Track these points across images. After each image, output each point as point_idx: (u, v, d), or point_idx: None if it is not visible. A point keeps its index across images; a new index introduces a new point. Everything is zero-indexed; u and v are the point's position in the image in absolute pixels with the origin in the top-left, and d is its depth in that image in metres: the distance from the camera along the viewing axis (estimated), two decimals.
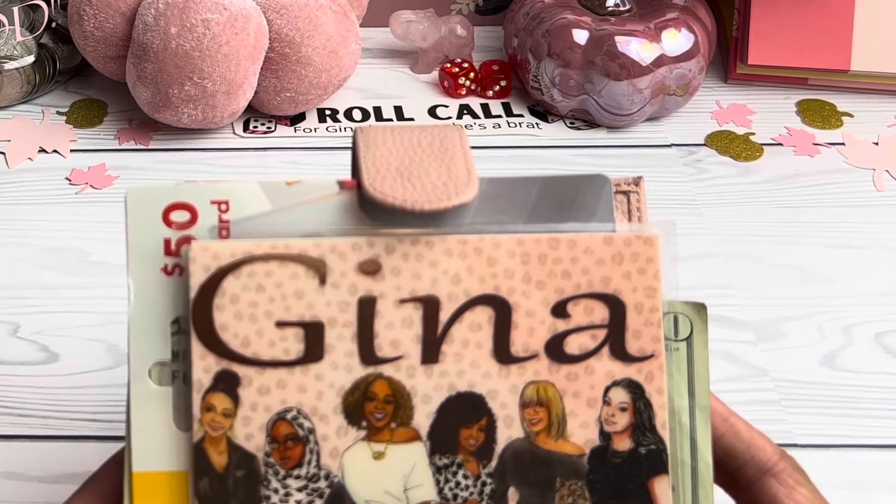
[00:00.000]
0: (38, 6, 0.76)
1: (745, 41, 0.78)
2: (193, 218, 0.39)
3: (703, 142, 0.75)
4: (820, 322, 0.62)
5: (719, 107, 0.78)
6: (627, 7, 0.76)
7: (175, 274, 0.39)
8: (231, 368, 0.38)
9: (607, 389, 0.39)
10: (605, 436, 0.39)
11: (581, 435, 0.39)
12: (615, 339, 0.39)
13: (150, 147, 0.73)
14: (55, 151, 0.73)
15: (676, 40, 0.73)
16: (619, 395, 0.39)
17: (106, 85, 0.78)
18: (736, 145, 0.74)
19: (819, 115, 0.77)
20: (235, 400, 0.38)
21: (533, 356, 0.39)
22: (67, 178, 0.71)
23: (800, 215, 0.69)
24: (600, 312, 0.39)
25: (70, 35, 0.74)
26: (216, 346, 0.38)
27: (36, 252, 0.65)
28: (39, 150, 0.73)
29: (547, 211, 0.40)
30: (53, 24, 0.77)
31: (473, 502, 0.39)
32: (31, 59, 0.76)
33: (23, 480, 0.53)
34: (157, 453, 0.38)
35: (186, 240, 0.39)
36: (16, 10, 0.74)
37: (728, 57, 0.80)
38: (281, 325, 0.38)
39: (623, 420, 0.39)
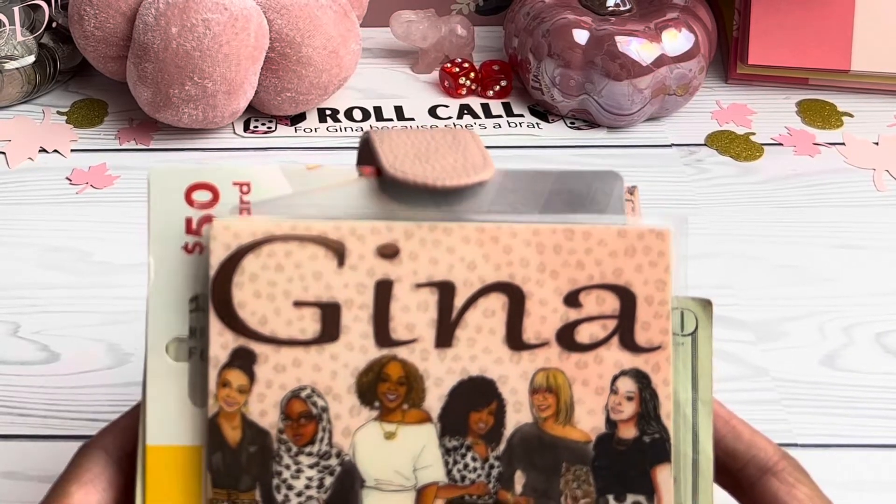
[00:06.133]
0: (38, 6, 0.76)
1: (745, 41, 0.78)
2: (215, 198, 0.40)
3: (703, 142, 0.75)
4: (820, 322, 0.62)
5: (719, 107, 0.78)
6: (628, 7, 0.76)
7: (196, 252, 0.39)
8: (248, 346, 0.39)
9: (615, 378, 0.40)
10: (611, 424, 0.40)
11: (588, 422, 0.40)
12: (625, 330, 0.40)
13: (150, 147, 0.73)
14: (56, 151, 0.73)
15: (677, 40, 0.73)
16: (627, 385, 0.40)
17: (106, 85, 0.78)
18: (736, 145, 0.74)
19: (819, 115, 0.77)
20: (251, 377, 0.39)
21: (544, 344, 0.40)
22: (68, 178, 0.71)
23: (800, 215, 0.69)
24: (611, 303, 0.40)
25: (70, 35, 0.74)
26: (234, 323, 0.39)
27: (36, 252, 0.65)
28: (40, 150, 0.73)
29: (560, 205, 0.41)
30: (54, 24, 0.77)
31: (481, 484, 0.40)
32: (31, 58, 0.76)
33: (22, 480, 0.53)
34: (171, 428, 0.39)
35: (208, 219, 0.39)
36: (16, 9, 0.74)
37: (728, 57, 0.80)
38: (298, 304, 0.39)
39: (629, 409, 0.40)
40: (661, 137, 0.75)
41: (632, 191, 0.43)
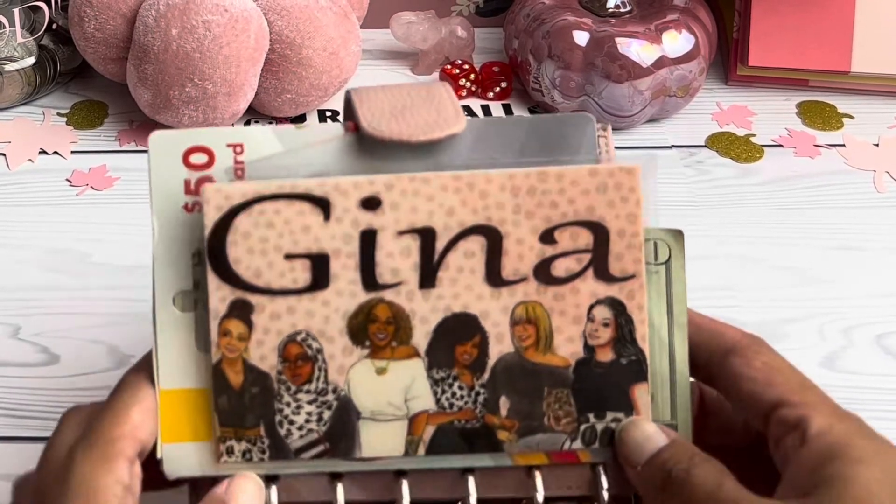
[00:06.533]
0: (38, 8, 0.76)
1: (745, 43, 0.78)
2: (211, 160, 0.43)
3: (703, 143, 0.75)
4: (820, 324, 0.62)
5: (720, 108, 0.78)
6: (628, 8, 0.76)
7: (195, 211, 0.43)
8: (245, 297, 0.42)
9: (591, 307, 0.43)
10: (589, 349, 0.43)
11: (567, 348, 0.43)
12: (599, 262, 0.43)
13: None
14: (56, 153, 0.73)
15: (677, 42, 0.73)
16: (603, 312, 0.43)
17: (106, 86, 0.78)
18: (736, 147, 0.74)
19: (819, 116, 0.77)
20: (249, 325, 0.42)
21: (522, 279, 0.43)
22: (68, 180, 0.71)
23: (800, 217, 0.69)
24: (585, 238, 0.43)
25: (71, 36, 0.74)
26: (230, 277, 0.42)
27: (36, 253, 0.65)
28: (40, 152, 0.73)
29: (536, 149, 0.44)
30: (54, 26, 0.77)
31: (468, 410, 0.43)
32: (31, 60, 0.76)
33: None
34: (181, 373, 0.42)
35: (206, 179, 0.43)
36: (16, 11, 0.74)
37: (728, 58, 0.80)
38: (289, 257, 0.42)
39: (606, 334, 0.43)
40: (661, 139, 0.75)
41: (605, 128, 0.45)
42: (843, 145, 0.75)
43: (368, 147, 0.43)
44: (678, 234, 0.45)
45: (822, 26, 0.77)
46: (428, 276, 0.43)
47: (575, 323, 0.43)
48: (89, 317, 0.61)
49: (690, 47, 0.73)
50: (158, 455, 0.42)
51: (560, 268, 0.43)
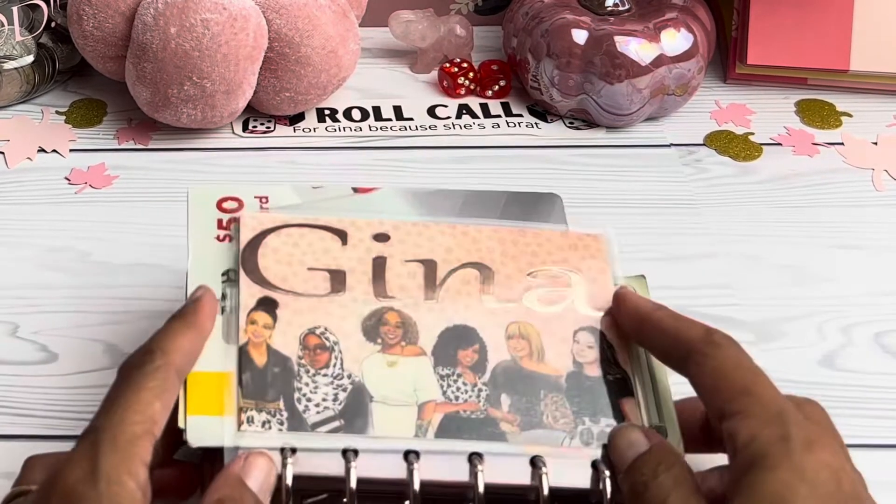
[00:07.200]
0: (37, 6, 0.76)
1: (744, 41, 0.78)
2: (240, 206, 0.53)
3: (702, 142, 0.75)
4: (819, 322, 0.62)
5: (718, 107, 0.78)
6: (626, 7, 0.76)
7: (226, 241, 0.51)
8: (271, 295, 0.49)
9: (575, 332, 0.50)
10: (577, 364, 0.49)
11: (558, 362, 0.49)
12: (577, 299, 0.51)
13: (149, 147, 0.73)
14: (54, 151, 0.73)
15: (675, 40, 0.73)
16: (586, 337, 0.50)
17: (105, 85, 0.78)
18: (735, 145, 0.74)
19: (818, 114, 0.77)
20: (274, 318, 0.49)
21: (513, 304, 0.50)
22: (67, 178, 0.71)
23: (799, 215, 0.69)
24: (564, 280, 0.51)
25: (69, 35, 0.74)
26: (260, 280, 0.50)
27: (35, 252, 0.65)
28: (39, 150, 0.73)
29: (514, 213, 0.54)
30: (53, 24, 0.77)
31: (473, 403, 0.48)
32: (30, 58, 0.76)
33: None
34: (208, 359, 0.47)
35: (235, 220, 0.52)
36: (15, 9, 0.74)
37: (727, 57, 0.80)
38: (312, 269, 0.50)
39: (591, 354, 0.49)
40: (659, 137, 0.75)
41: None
42: (842, 143, 0.75)
43: (374, 204, 0.53)
44: (641, 279, 0.52)
45: (821, 25, 0.77)
46: (430, 293, 0.50)
47: (563, 342, 0.49)
48: (88, 315, 0.61)
49: (689, 46, 0.73)
50: (181, 425, 0.45)
51: (545, 299, 0.51)
